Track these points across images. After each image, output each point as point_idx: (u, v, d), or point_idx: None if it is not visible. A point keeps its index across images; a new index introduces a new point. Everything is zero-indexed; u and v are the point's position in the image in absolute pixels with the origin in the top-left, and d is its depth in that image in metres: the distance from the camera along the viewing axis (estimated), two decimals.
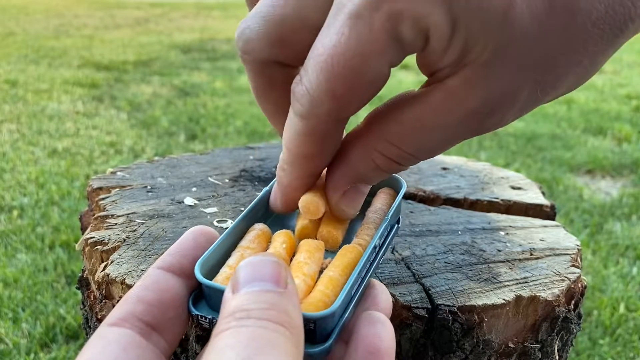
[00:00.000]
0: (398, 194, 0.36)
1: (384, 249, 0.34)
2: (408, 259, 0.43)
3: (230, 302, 0.23)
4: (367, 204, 0.37)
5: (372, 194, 0.37)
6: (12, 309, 1.36)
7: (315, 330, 0.26)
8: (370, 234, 0.33)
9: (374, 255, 0.32)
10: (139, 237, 0.44)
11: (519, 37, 0.24)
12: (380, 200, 0.36)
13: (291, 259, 0.31)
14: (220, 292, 0.26)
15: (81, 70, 3.83)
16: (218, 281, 0.28)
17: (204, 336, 0.37)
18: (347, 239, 0.34)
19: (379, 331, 0.26)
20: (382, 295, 0.29)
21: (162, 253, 0.41)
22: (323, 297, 0.28)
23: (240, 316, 0.21)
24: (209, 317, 0.27)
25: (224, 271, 0.29)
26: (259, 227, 0.33)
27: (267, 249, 0.32)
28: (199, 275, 0.27)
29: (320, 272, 0.30)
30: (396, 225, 0.37)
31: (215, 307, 0.28)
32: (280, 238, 0.32)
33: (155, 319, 0.25)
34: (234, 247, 0.31)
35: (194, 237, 0.29)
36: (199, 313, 0.27)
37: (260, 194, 0.35)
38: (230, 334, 0.21)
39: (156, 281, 0.27)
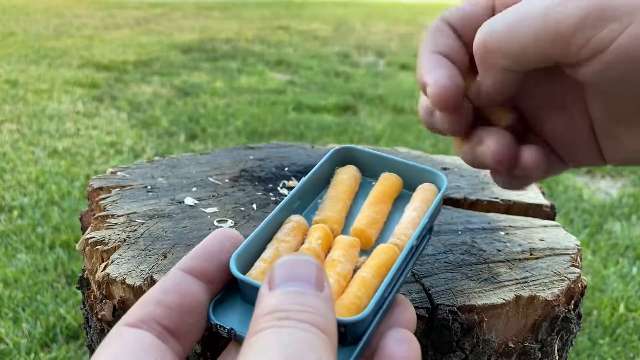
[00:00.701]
0: (439, 190, 0.35)
1: (420, 250, 0.33)
2: None
3: (267, 300, 0.22)
4: (407, 198, 0.35)
5: (412, 188, 0.36)
6: (13, 309, 1.36)
7: (345, 334, 0.25)
8: (408, 234, 0.32)
9: (409, 257, 0.31)
10: (139, 237, 0.44)
11: None
12: (420, 197, 0.35)
13: (326, 255, 0.31)
14: (254, 288, 0.26)
15: (81, 70, 3.83)
16: (252, 275, 0.28)
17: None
18: (382, 238, 0.33)
19: (405, 352, 0.25)
20: (408, 312, 0.28)
21: (162, 252, 0.42)
22: (355, 299, 0.27)
23: (280, 316, 0.21)
24: (228, 327, 0.26)
25: (259, 265, 0.29)
26: (295, 219, 0.32)
27: (302, 242, 0.31)
28: (234, 269, 0.27)
29: (355, 270, 0.30)
30: (431, 227, 0.35)
31: (250, 300, 0.28)
32: (317, 233, 0.32)
33: (174, 323, 0.25)
34: (270, 239, 0.31)
35: (219, 241, 0.28)
36: (218, 322, 0.26)
37: (298, 184, 0.34)
38: (272, 333, 0.21)
39: (178, 284, 0.26)
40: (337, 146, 0.38)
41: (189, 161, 0.62)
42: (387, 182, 0.36)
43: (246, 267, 0.28)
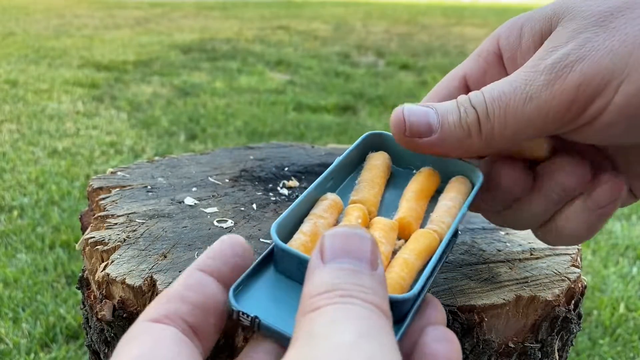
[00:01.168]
0: (473, 185, 0.35)
1: (452, 245, 0.33)
2: None
3: (321, 276, 0.22)
4: (438, 191, 0.36)
5: (445, 181, 0.36)
6: (12, 309, 1.36)
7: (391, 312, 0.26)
8: (446, 222, 0.32)
9: (447, 245, 0.31)
10: (139, 237, 0.44)
11: None
12: (455, 188, 0.35)
13: None
14: (294, 258, 0.26)
15: (81, 70, 3.83)
16: (292, 247, 0.28)
17: None
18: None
19: (448, 350, 0.25)
20: (439, 312, 0.28)
21: (162, 252, 0.42)
22: (399, 279, 0.27)
23: (343, 294, 0.21)
24: (252, 315, 0.25)
25: (298, 237, 0.29)
26: (331, 198, 0.32)
27: (337, 220, 0.32)
28: (276, 238, 0.27)
29: (393, 253, 0.30)
30: (456, 230, 0.35)
31: (286, 271, 0.28)
32: (356, 212, 0.32)
33: (198, 322, 0.24)
34: (304, 215, 0.31)
35: (231, 245, 0.27)
36: (241, 309, 0.25)
37: (333, 164, 0.34)
38: (337, 310, 0.20)
39: (199, 283, 0.25)
40: (370, 131, 0.38)
41: (189, 161, 0.62)
42: (429, 178, 0.36)
43: (282, 240, 0.29)
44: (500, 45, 0.36)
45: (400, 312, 0.26)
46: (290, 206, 0.30)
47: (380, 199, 0.34)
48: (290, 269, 0.27)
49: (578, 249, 0.46)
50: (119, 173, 0.58)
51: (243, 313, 0.25)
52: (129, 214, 0.48)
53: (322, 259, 0.23)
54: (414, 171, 0.37)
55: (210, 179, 0.57)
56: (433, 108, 0.33)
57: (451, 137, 0.32)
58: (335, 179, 0.35)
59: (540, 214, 0.35)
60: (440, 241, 0.31)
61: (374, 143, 0.37)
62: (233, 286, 0.26)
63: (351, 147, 0.36)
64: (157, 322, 0.23)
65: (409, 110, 0.33)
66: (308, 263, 0.24)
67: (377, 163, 0.36)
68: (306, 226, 0.30)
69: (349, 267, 0.22)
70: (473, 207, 0.38)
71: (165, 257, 0.41)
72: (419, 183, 0.35)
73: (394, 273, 0.28)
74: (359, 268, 0.22)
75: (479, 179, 0.34)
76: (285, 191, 0.55)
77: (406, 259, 0.29)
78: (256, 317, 0.25)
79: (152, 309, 0.24)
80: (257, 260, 0.28)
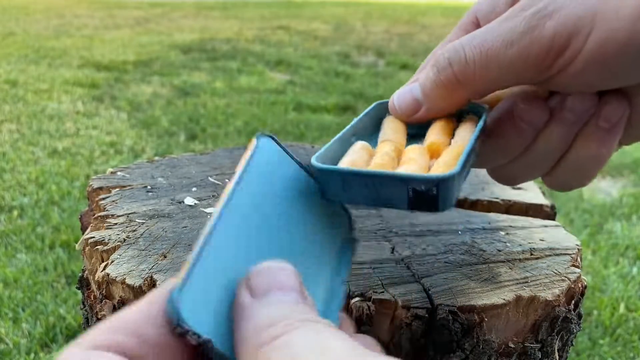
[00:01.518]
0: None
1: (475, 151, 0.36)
2: (408, 259, 0.43)
3: (262, 309, 0.21)
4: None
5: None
6: (12, 309, 1.36)
7: (437, 196, 0.27)
8: (466, 138, 0.34)
9: (472, 151, 0.33)
10: (139, 237, 0.44)
11: None
12: (468, 125, 0.37)
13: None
14: (341, 179, 0.28)
15: (81, 70, 3.83)
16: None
17: None
18: None
19: (368, 344, 0.25)
20: (350, 323, 0.29)
21: (162, 252, 0.42)
22: (442, 169, 0.30)
23: (301, 319, 0.21)
24: (204, 336, 0.20)
25: (341, 164, 0.31)
26: (361, 143, 0.35)
27: (369, 161, 0.34)
28: (316, 163, 0.29)
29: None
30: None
31: (334, 195, 0.30)
32: (387, 146, 0.34)
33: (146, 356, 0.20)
34: (332, 162, 0.33)
35: None
36: (192, 329, 0.20)
37: (351, 123, 0.36)
38: (305, 330, 0.20)
39: (152, 315, 0.21)
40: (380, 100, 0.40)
41: (189, 161, 0.62)
42: (448, 122, 0.38)
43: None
44: (478, 16, 0.39)
45: (446, 194, 0.27)
46: (319, 150, 0.32)
47: (405, 143, 0.36)
48: (336, 191, 0.29)
49: (579, 249, 0.46)
50: (119, 173, 0.58)
51: (193, 333, 0.20)
52: (129, 214, 0.48)
53: (253, 295, 0.22)
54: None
55: (210, 179, 0.57)
56: (416, 81, 0.36)
57: (436, 100, 0.35)
58: (358, 137, 0.37)
59: (558, 143, 0.37)
60: None
61: (385, 111, 0.39)
62: (175, 290, 0.20)
63: (364, 112, 0.38)
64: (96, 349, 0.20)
65: (397, 96, 0.37)
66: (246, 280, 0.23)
67: (396, 120, 0.38)
68: (347, 158, 0.32)
69: (287, 299, 0.22)
70: (492, 161, 0.40)
71: (165, 257, 0.41)
72: (440, 123, 0.37)
73: (436, 167, 0.31)
74: (294, 299, 0.22)
75: (485, 110, 0.37)
76: None
77: (445, 160, 0.31)
78: (210, 340, 0.20)
79: (90, 336, 0.20)
80: (195, 253, 0.22)
